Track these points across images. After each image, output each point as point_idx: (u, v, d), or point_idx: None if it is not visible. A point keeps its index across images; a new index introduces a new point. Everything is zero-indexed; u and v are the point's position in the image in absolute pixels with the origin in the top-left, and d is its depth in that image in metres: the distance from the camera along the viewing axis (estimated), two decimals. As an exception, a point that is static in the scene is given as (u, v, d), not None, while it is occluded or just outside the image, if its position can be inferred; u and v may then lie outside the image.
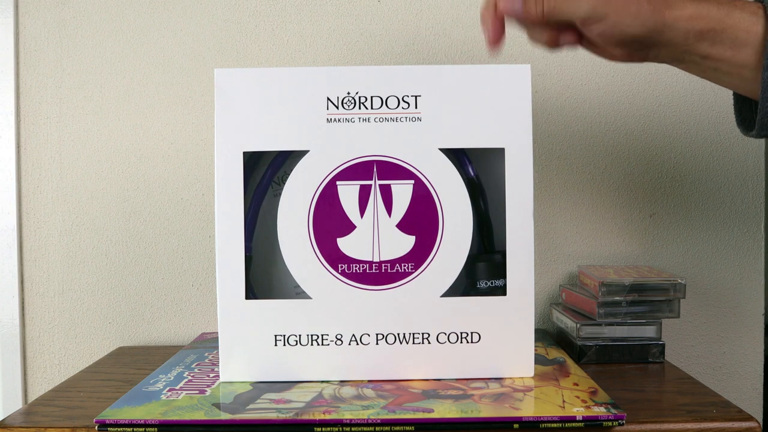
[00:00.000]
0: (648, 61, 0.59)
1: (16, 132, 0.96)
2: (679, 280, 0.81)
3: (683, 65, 0.59)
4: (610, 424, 0.60)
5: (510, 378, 0.70)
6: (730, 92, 0.63)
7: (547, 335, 0.90)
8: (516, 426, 0.60)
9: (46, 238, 0.97)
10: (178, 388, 0.69)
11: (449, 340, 0.70)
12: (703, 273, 0.98)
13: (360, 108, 0.70)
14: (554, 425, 0.59)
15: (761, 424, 0.62)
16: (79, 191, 0.97)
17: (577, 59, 0.96)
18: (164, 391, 0.68)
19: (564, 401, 0.63)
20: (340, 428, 0.60)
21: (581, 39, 0.60)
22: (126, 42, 0.96)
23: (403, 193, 0.70)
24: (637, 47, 0.58)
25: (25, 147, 0.97)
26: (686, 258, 0.97)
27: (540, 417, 0.60)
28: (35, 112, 0.96)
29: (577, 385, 0.68)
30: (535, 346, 0.83)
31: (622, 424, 0.60)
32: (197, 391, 0.68)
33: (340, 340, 0.70)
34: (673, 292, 0.81)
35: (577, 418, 0.60)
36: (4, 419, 0.64)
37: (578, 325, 0.82)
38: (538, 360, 0.77)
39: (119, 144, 0.97)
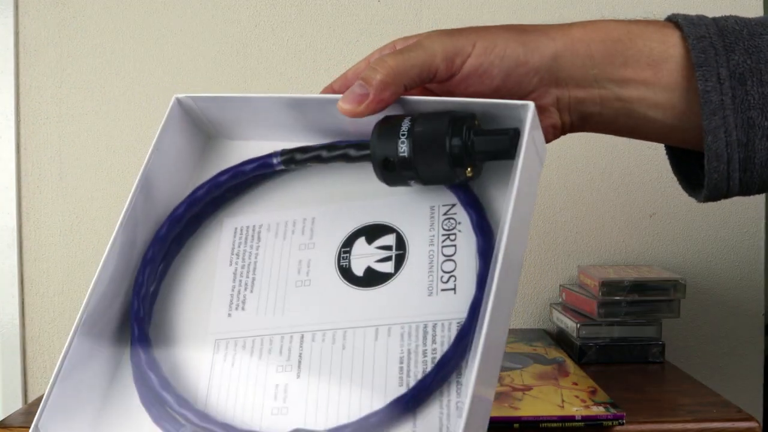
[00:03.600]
0: (561, 116, 0.46)
1: (16, 132, 0.96)
2: (679, 280, 0.81)
3: (597, 107, 0.46)
4: (609, 423, 0.60)
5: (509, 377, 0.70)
6: None
7: (547, 335, 0.90)
8: (516, 426, 0.60)
9: (46, 238, 0.97)
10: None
11: None
12: (703, 273, 0.97)
13: None
14: (554, 425, 0.59)
15: (761, 424, 0.61)
16: (79, 191, 0.97)
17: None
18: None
19: (563, 401, 0.63)
20: (340, 428, 0.60)
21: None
22: (126, 42, 0.96)
23: None
24: (525, 77, 0.43)
25: (25, 147, 0.97)
26: (686, 258, 0.97)
27: (539, 416, 0.60)
28: (35, 112, 0.96)
29: (576, 384, 0.68)
30: (535, 346, 0.83)
31: (622, 424, 0.60)
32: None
33: None
34: (673, 292, 0.81)
35: (577, 418, 0.60)
36: (4, 419, 0.64)
37: (578, 325, 0.81)
38: (538, 360, 0.77)
39: (119, 144, 0.96)
